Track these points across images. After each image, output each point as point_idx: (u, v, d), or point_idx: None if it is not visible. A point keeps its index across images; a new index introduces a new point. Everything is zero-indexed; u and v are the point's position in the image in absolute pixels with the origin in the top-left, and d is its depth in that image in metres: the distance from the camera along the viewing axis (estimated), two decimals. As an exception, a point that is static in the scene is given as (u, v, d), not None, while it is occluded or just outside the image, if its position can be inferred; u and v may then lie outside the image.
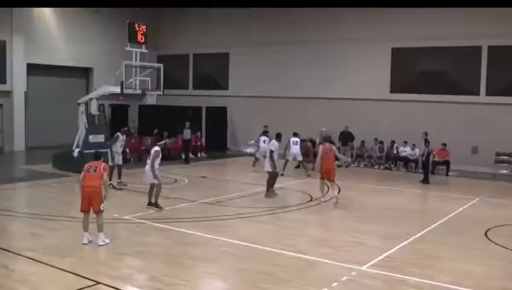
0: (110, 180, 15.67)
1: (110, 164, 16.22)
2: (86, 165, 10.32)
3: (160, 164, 13.35)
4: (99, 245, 9.93)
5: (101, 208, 10.05)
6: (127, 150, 18.25)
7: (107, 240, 10.07)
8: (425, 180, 18.91)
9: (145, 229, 11.46)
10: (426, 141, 18.96)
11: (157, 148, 13.32)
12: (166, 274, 8.54)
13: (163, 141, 14.70)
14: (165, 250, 9.98)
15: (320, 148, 15.50)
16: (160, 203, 13.34)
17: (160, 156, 13.24)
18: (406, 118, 23.24)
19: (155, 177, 13.05)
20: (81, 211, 10.13)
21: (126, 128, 18.09)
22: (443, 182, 19.81)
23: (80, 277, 8.26)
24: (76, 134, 19.95)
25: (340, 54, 25.33)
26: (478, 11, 20.96)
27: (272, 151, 15.24)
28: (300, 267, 9.10)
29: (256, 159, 20.67)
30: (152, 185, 13.23)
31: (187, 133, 23.04)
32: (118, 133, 16.85)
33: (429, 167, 19.58)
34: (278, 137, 15.78)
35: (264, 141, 20.09)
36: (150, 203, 13.29)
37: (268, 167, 15.32)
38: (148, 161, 13.20)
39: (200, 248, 10.15)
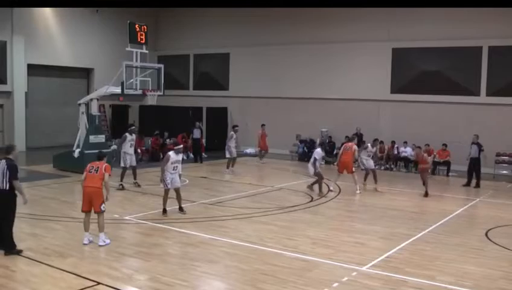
0: (121, 180, 15.82)
1: (122, 165, 16.27)
2: (88, 165, 10.32)
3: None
4: (100, 245, 9.92)
5: (102, 209, 10.04)
6: (139, 150, 17.69)
7: (108, 241, 10.07)
8: (478, 185, 18.52)
9: (146, 230, 11.47)
10: (480, 145, 18.65)
11: (170, 152, 12.77)
12: (167, 274, 8.55)
13: (181, 146, 13.31)
14: (166, 250, 9.99)
15: (342, 147, 17.76)
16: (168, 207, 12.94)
17: (171, 160, 12.49)
18: (407, 118, 23.24)
19: (163, 182, 12.65)
20: (82, 211, 10.14)
21: (133, 127, 17.61)
22: (444, 182, 19.81)
23: (80, 277, 8.26)
24: (76, 134, 19.98)
25: (340, 54, 25.34)
26: (479, 11, 20.97)
27: (315, 159, 16.32)
28: (301, 267, 9.10)
29: (230, 159, 20.27)
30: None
31: (197, 133, 23.22)
32: (126, 134, 16.63)
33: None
34: (322, 146, 17.94)
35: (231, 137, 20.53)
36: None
37: (311, 171, 16.58)
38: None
39: (200, 248, 10.14)
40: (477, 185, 18.54)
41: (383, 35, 24.00)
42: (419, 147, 17.88)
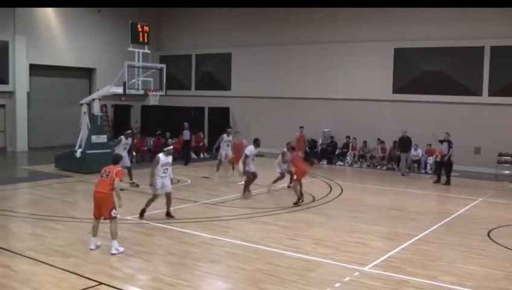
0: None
1: None
2: (102, 169, 9.94)
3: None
4: (112, 254, 9.50)
5: (113, 214, 9.59)
6: (134, 153, 17.69)
7: (121, 249, 9.59)
8: (448, 182, 18.92)
9: (147, 230, 11.47)
10: (450, 142, 18.93)
11: (159, 154, 12.20)
12: (168, 274, 8.55)
13: (171, 147, 12.82)
14: (167, 250, 9.98)
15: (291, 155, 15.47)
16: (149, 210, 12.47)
17: (161, 162, 11.95)
18: (409, 118, 23.20)
19: (150, 185, 12.03)
20: (94, 216, 9.85)
21: (129, 131, 17.69)
22: (445, 182, 19.76)
23: (82, 277, 8.27)
24: (78, 134, 19.99)
25: (342, 54, 25.31)
26: (481, 11, 20.94)
27: (246, 156, 15.26)
28: (303, 267, 9.10)
29: (220, 161, 19.45)
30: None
31: (186, 134, 22.63)
32: (122, 137, 16.71)
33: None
34: (256, 142, 15.67)
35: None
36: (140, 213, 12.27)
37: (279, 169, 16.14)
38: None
39: (202, 248, 10.15)
40: (447, 183, 18.90)
41: (385, 35, 23.97)
42: (292, 148, 15.86)
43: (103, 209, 9.66)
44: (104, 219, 9.74)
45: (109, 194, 9.64)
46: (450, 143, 18.99)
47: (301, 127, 23.05)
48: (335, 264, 9.32)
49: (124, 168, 16.30)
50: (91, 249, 9.76)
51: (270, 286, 8.15)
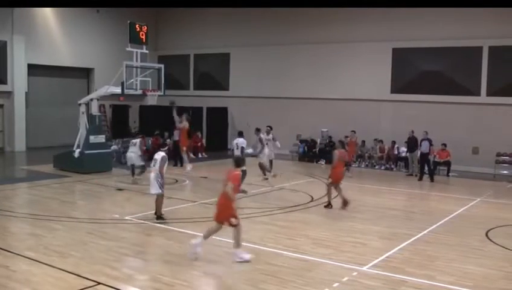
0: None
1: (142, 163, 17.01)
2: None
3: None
4: (235, 261, 9.18)
5: (233, 222, 9.08)
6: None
7: (247, 256, 9.17)
8: (421, 178, 19.70)
9: (146, 230, 11.46)
10: (430, 140, 19.53)
11: (163, 153, 11.98)
12: (167, 274, 8.54)
13: (167, 147, 12.91)
14: (166, 250, 9.97)
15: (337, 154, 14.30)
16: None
17: (167, 162, 11.99)
18: (407, 118, 23.22)
19: (161, 187, 11.80)
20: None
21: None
22: (444, 182, 19.81)
23: (80, 277, 8.26)
24: (77, 134, 19.98)
25: (340, 54, 25.33)
26: (479, 11, 20.99)
27: (243, 148, 16.43)
28: (301, 267, 9.10)
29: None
30: (158, 196, 12.03)
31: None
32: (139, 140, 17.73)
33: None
34: (241, 134, 17.20)
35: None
36: (158, 217, 12.10)
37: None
38: (154, 169, 11.84)
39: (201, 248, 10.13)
40: (431, 179, 19.54)
41: (383, 35, 23.99)
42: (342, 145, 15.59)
43: (221, 216, 9.23)
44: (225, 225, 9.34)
45: (225, 201, 9.20)
46: (430, 141, 19.47)
47: (353, 131, 21.96)
48: (333, 264, 9.32)
49: (138, 167, 16.69)
50: (192, 243, 9.29)
51: (269, 286, 8.15)
